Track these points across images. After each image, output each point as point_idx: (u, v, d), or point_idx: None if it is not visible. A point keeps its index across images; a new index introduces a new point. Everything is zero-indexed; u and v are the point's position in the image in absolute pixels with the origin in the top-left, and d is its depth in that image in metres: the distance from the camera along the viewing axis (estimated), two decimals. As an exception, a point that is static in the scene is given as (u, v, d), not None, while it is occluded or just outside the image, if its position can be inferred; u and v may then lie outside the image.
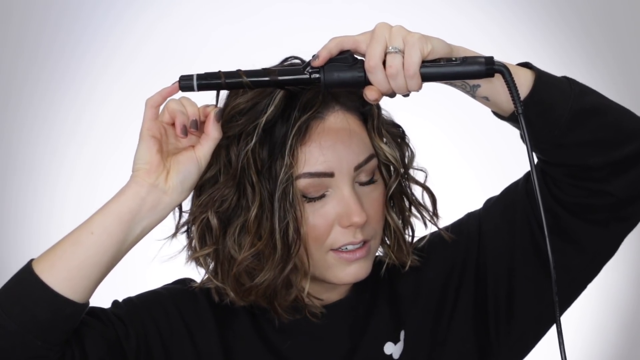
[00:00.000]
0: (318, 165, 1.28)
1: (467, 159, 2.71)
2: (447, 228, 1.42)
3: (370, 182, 1.31)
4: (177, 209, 1.32)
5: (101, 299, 1.36)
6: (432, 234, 1.41)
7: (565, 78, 1.27)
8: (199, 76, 1.23)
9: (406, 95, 1.21)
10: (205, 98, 1.28)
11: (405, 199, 1.37)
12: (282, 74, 1.23)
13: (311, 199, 1.29)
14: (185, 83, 1.23)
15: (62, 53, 2.69)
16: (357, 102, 1.32)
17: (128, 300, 1.37)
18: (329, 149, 1.28)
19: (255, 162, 1.27)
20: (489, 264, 1.38)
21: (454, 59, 1.20)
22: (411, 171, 1.37)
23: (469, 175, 2.67)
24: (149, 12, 2.70)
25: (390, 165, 1.34)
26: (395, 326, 1.39)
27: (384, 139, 1.33)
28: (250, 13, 2.69)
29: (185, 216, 1.34)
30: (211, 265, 1.34)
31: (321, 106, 1.29)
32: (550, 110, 1.23)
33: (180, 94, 1.26)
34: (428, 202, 1.38)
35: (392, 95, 1.22)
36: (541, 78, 1.24)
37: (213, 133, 1.26)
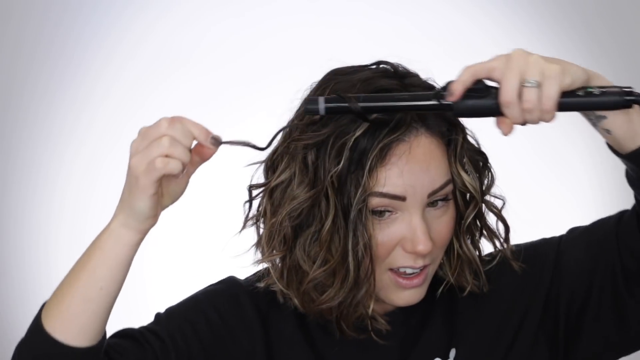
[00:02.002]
0: (391, 187, 1.23)
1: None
2: (517, 249, 1.36)
3: (442, 203, 1.27)
4: (247, 204, 1.30)
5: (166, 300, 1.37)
6: (502, 255, 1.36)
7: None
8: (327, 99, 1.18)
9: (535, 123, 1.17)
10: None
11: (476, 225, 1.32)
12: (411, 99, 1.19)
13: (379, 217, 1.25)
14: (312, 107, 1.18)
15: (61, 51, 2.68)
16: (444, 126, 1.27)
17: (169, 312, 1.34)
18: (407, 174, 1.23)
19: (332, 169, 1.23)
20: (562, 297, 1.33)
21: (590, 89, 1.15)
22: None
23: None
24: (148, 11, 2.70)
25: (467, 193, 1.29)
26: (447, 343, 1.35)
27: (465, 167, 1.27)
28: (248, 10, 2.69)
29: (253, 211, 1.31)
30: (278, 268, 1.31)
31: (402, 128, 1.24)
32: None
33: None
34: (501, 228, 1.33)
35: (522, 124, 1.17)
36: None
37: (206, 156, 1.19)
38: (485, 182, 1.31)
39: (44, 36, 2.67)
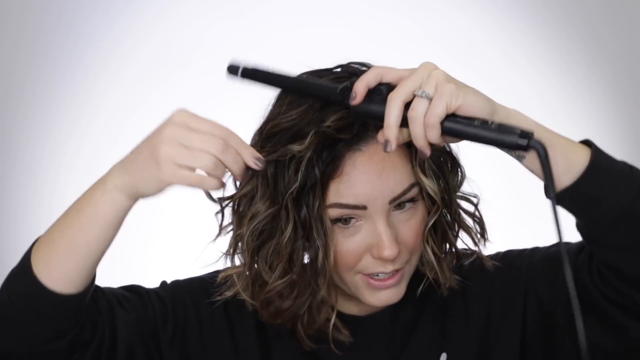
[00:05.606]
0: (350, 198, 1.23)
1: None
2: (493, 256, 1.37)
3: (409, 205, 1.26)
4: (220, 214, 1.31)
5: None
6: (483, 258, 1.37)
7: (628, 168, 1.17)
8: (245, 69, 1.20)
9: (422, 156, 1.15)
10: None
11: (452, 224, 1.32)
12: (318, 90, 1.19)
13: (343, 225, 1.25)
14: (233, 68, 1.20)
15: (60, 52, 2.69)
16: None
17: (175, 284, 1.37)
18: (364, 183, 1.23)
19: (291, 187, 1.23)
20: (536, 312, 1.33)
21: (490, 122, 1.11)
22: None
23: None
24: (148, 11, 2.70)
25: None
26: (437, 346, 1.35)
27: (426, 171, 1.26)
28: (248, 10, 2.69)
29: (227, 220, 1.32)
30: (244, 278, 1.32)
31: (357, 137, 1.24)
32: (594, 205, 1.15)
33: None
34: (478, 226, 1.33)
35: (407, 140, 1.17)
36: (595, 166, 1.15)
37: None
38: (456, 181, 1.30)
39: (43, 36, 2.68)
